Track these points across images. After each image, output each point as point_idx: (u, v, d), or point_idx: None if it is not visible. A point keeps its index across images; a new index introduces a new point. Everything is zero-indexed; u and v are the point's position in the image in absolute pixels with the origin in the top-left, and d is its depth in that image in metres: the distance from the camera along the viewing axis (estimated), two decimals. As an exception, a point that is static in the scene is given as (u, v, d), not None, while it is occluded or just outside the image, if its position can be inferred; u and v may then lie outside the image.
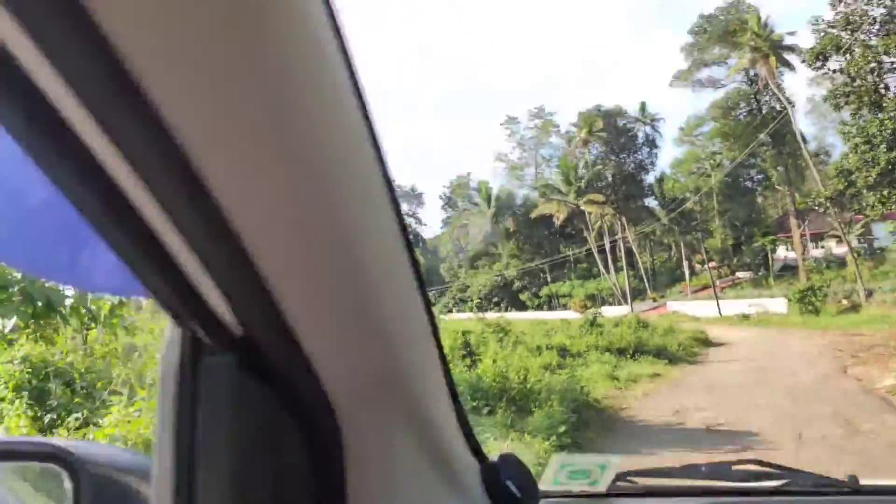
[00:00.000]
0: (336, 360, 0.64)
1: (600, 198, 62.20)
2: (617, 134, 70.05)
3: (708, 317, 39.73)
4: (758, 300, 38.87)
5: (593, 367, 14.81)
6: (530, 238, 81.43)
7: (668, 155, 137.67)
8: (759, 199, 70.53)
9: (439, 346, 0.96)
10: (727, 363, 17.57)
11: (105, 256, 0.51)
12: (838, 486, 1.70)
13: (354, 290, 0.63)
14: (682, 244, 69.36)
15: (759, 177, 66.90)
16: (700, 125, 61.49)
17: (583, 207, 64.46)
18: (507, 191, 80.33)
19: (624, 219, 68.76)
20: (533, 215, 68.96)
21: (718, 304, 39.96)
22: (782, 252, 60.32)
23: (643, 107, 69.30)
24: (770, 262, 55.45)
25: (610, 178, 70.44)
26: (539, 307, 68.57)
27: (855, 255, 37.43)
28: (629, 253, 70.22)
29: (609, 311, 50.01)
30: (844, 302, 34.65)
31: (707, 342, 23.54)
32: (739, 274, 60.45)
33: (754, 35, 45.97)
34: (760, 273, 58.22)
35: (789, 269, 54.54)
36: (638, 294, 60.88)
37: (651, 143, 69.20)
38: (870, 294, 33.05)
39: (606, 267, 64.99)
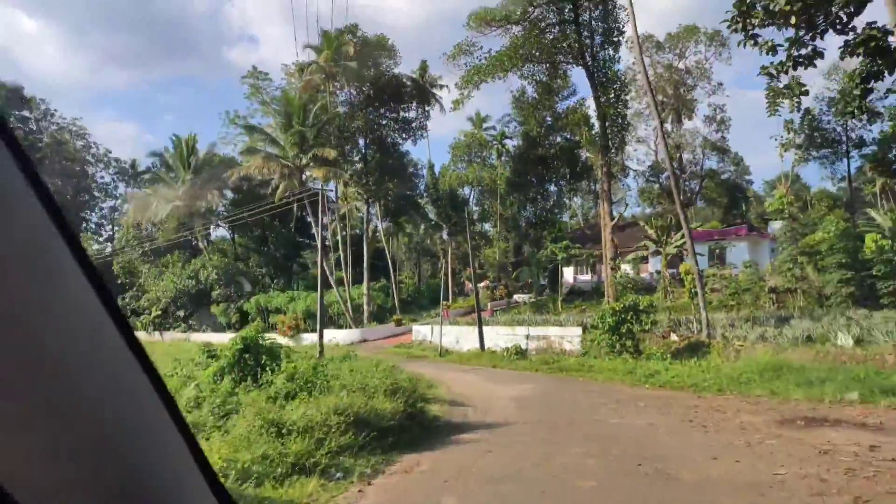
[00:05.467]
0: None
1: (332, 153, 42.10)
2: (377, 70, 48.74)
3: (464, 350, 32.78)
4: (541, 330, 30.38)
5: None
6: (245, 226, 58.00)
7: (443, 128, 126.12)
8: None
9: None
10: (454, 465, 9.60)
11: None
12: None
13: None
14: (449, 250, 55.98)
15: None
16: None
17: (309, 171, 44.03)
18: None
19: (378, 205, 51.02)
20: (232, 178, 48.04)
21: (482, 335, 31.77)
22: (570, 274, 52.45)
23: (424, 65, 53.01)
24: (559, 279, 47.55)
25: (361, 141, 49.37)
26: (238, 325, 48.70)
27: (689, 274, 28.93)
28: (379, 255, 54.29)
29: (334, 335, 41.37)
30: (674, 337, 26.00)
31: (441, 399, 17.08)
32: (518, 297, 50.55)
33: None
34: (545, 295, 48.95)
35: (579, 295, 46.39)
36: (385, 313, 49.36)
37: (422, 97, 51.60)
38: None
39: (346, 271, 48.92)
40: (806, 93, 13.37)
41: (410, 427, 11.23)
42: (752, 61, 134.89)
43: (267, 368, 13.49)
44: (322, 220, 30.11)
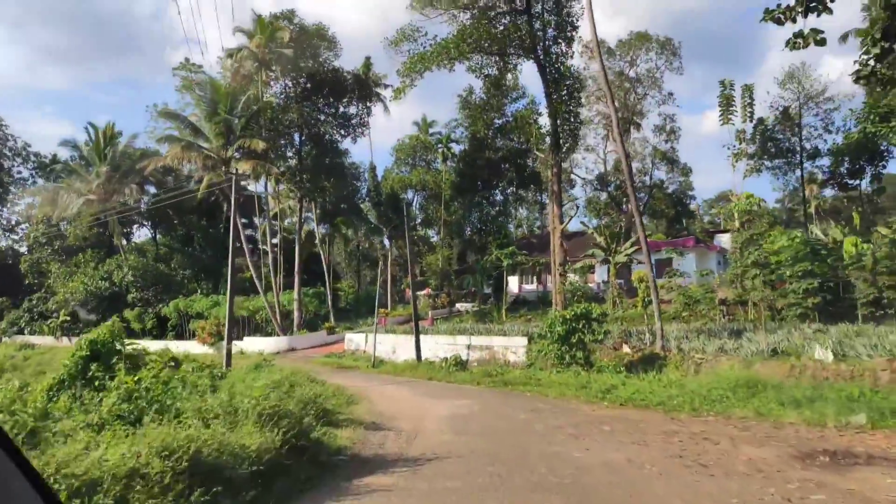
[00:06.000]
0: None
1: (260, 145, 37.64)
2: (315, 61, 43.89)
3: (400, 361, 29.58)
4: (484, 339, 27.50)
5: None
6: (169, 225, 53.70)
7: (387, 136, 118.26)
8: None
9: None
10: None
11: None
12: None
13: None
14: (389, 255, 53.11)
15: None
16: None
17: (235, 164, 38.80)
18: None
19: (314, 205, 46.57)
20: (148, 168, 43.22)
21: (419, 345, 28.66)
22: (515, 283, 49.83)
23: (367, 62, 49.14)
24: (504, 288, 44.30)
25: (297, 136, 44.19)
26: (155, 331, 45.56)
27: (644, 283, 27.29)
28: (316, 260, 50.37)
29: (259, 344, 38.73)
30: (627, 349, 23.57)
31: (357, 420, 13.39)
32: (460, 305, 47.32)
33: None
34: (489, 303, 45.47)
35: (524, 305, 43.46)
36: (320, 320, 45.45)
37: (364, 93, 46.67)
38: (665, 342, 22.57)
39: (274, 275, 44.58)
40: (823, 42, 10.31)
41: (293, 469, 7.58)
42: (687, 88, 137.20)
43: (99, 383, 9.68)
44: (234, 213, 25.67)
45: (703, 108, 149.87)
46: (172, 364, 14.31)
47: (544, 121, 37.57)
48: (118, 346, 11.63)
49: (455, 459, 9.33)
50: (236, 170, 29.27)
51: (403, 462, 9.14)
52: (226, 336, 22.44)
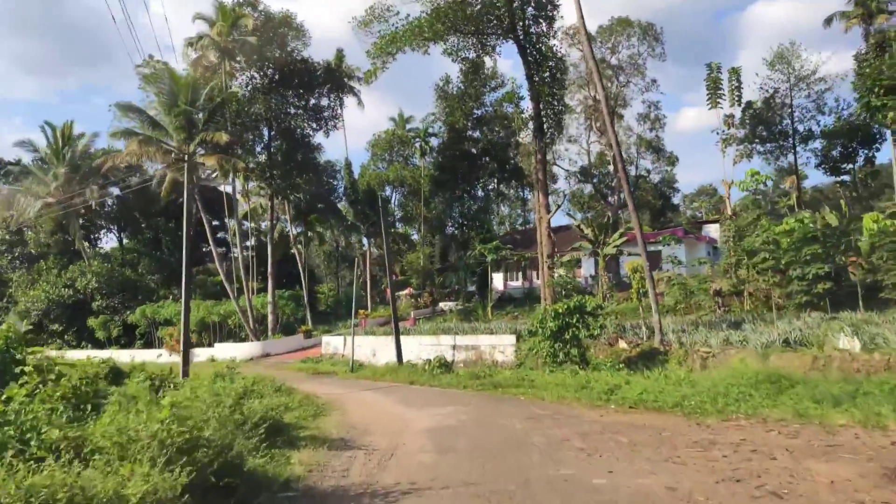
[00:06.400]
0: None
1: (224, 137, 34.08)
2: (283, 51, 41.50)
3: (381, 364, 27.35)
4: (470, 339, 25.55)
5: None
6: (135, 228, 51.28)
7: (363, 136, 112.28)
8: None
9: None
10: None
11: None
12: None
13: None
14: (367, 254, 51.00)
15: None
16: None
17: (199, 159, 36.22)
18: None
19: (287, 203, 44.33)
20: (106, 165, 39.55)
21: (399, 346, 26.30)
22: (500, 280, 47.78)
23: (339, 54, 46.52)
24: (488, 285, 41.96)
25: (266, 130, 42.08)
26: (123, 340, 43.62)
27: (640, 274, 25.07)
28: (288, 260, 48.10)
29: (227, 350, 36.66)
30: (623, 344, 21.68)
31: (323, 436, 10.94)
32: (444, 304, 44.71)
33: None
34: (473, 301, 42.91)
35: (510, 302, 41.18)
36: (297, 324, 43.30)
37: (337, 85, 44.75)
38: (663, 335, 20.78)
39: (247, 278, 41.87)
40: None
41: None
42: (662, 86, 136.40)
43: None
44: (187, 185, 23.23)
45: (679, 106, 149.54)
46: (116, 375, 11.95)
47: (526, 104, 35.64)
48: (17, 356, 9.24)
49: (438, 492, 7.04)
50: (185, 156, 26.64)
51: (370, 498, 6.86)
52: (181, 340, 20.03)
